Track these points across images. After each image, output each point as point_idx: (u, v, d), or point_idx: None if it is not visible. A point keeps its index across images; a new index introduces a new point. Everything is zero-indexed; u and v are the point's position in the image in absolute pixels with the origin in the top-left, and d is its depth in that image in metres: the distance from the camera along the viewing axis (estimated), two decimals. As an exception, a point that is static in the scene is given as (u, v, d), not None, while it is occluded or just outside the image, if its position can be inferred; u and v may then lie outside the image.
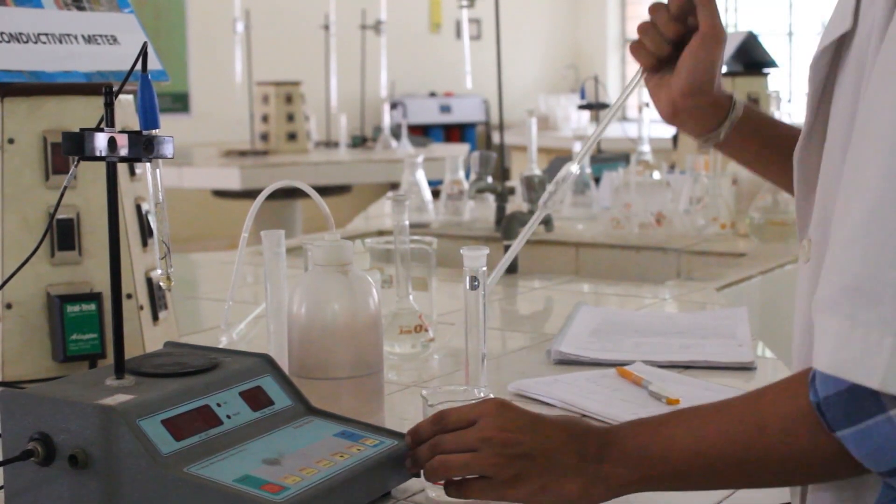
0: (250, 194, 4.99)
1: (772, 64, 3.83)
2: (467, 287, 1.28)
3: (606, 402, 1.47)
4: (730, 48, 3.84)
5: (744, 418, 0.99)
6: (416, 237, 1.83)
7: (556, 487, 1.03)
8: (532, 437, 1.04)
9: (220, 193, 5.45)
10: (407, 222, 1.74)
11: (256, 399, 1.16)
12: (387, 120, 5.98)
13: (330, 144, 6.13)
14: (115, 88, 1.13)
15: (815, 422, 0.93)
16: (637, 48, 1.42)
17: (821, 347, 0.92)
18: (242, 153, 5.41)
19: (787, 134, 1.42)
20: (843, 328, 0.89)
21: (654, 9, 1.41)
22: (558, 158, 3.92)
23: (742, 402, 1.01)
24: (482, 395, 1.17)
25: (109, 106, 1.11)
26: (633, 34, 1.43)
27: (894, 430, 0.88)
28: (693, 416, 1.02)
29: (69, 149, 1.13)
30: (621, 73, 9.96)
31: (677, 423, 1.02)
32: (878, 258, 0.88)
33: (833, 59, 1.04)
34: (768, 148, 1.45)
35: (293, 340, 1.32)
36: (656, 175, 3.19)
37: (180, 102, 7.43)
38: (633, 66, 1.46)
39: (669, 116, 1.43)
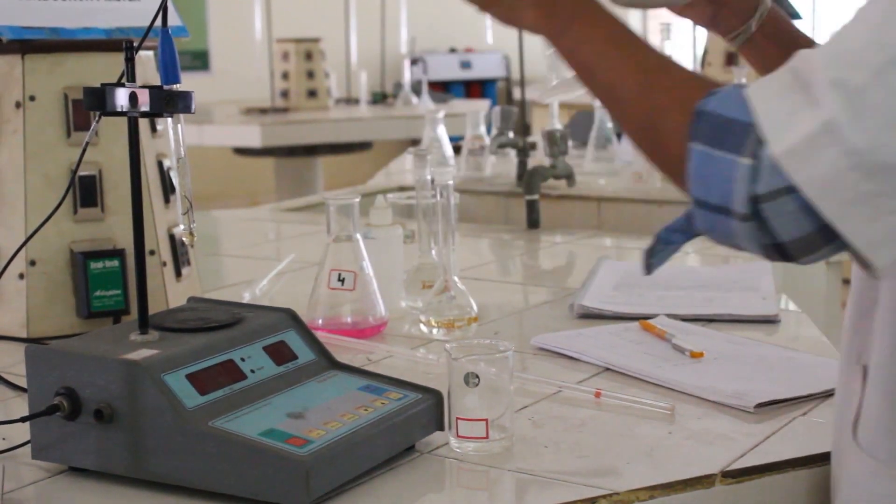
0: (271, 152, 4.99)
1: (795, 16, 3.79)
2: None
3: (629, 355, 1.47)
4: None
5: (648, 67, 1.02)
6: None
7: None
8: None
9: (241, 151, 5.45)
10: (429, 177, 1.73)
11: (280, 353, 1.16)
12: (407, 76, 5.95)
13: (350, 101, 6.11)
14: (136, 44, 1.13)
15: (685, 119, 0.93)
16: None
17: (758, 81, 0.92)
18: (263, 111, 5.40)
19: (805, 44, 1.40)
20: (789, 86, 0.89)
21: None
22: (580, 113, 3.89)
23: (658, 68, 1.02)
24: (503, 348, 1.17)
25: (130, 61, 1.11)
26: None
27: (734, 173, 0.89)
28: (619, 43, 1.06)
29: (91, 104, 1.13)
30: (643, 26, 9.87)
31: (606, 33, 1.07)
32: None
33: None
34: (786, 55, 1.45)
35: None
36: (678, 129, 3.16)
37: (200, 60, 7.41)
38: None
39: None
